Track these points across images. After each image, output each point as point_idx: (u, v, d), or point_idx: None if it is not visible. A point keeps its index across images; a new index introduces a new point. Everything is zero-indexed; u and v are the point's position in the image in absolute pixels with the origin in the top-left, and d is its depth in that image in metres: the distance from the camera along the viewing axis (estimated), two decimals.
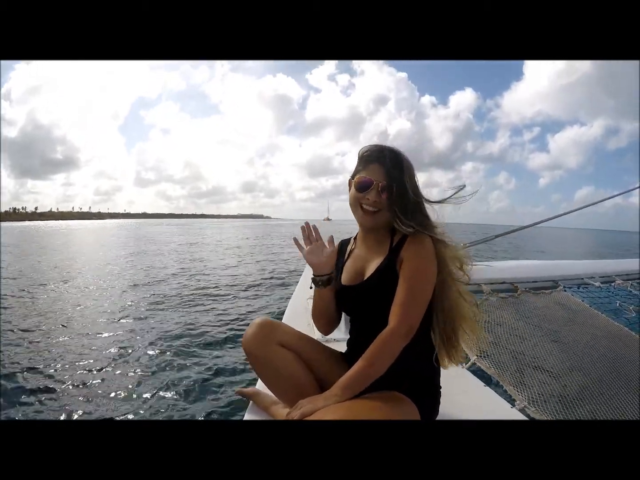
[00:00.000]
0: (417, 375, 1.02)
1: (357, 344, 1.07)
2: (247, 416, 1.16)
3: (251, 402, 1.23)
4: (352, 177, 1.07)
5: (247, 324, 1.10)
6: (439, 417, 1.04)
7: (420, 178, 1.06)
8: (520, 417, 1.22)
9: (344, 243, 1.23)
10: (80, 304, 6.25)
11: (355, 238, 1.18)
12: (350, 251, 1.17)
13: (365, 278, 1.05)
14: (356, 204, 1.05)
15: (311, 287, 1.13)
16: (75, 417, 2.72)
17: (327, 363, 1.10)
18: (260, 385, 1.23)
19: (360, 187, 1.03)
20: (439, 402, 1.05)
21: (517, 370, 1.60)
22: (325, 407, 0.87)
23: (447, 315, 1.03)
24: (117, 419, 2.62)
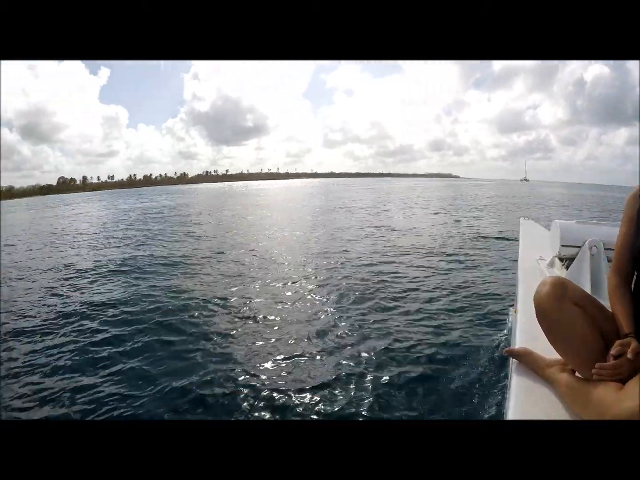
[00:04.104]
0: None
1: None
2: (514, 377, 1.12)
3: (517, 362, 1.17)
4: None
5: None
6: None
7: (624, 133, 0.75)
8: None
9: None
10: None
11: None
12: None
13: None
14: None
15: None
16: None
17: (612, 326, 1.01)
18: (529, 345, 1.19)
19: None
20: None
21: None
22: None
23: None
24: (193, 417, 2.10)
